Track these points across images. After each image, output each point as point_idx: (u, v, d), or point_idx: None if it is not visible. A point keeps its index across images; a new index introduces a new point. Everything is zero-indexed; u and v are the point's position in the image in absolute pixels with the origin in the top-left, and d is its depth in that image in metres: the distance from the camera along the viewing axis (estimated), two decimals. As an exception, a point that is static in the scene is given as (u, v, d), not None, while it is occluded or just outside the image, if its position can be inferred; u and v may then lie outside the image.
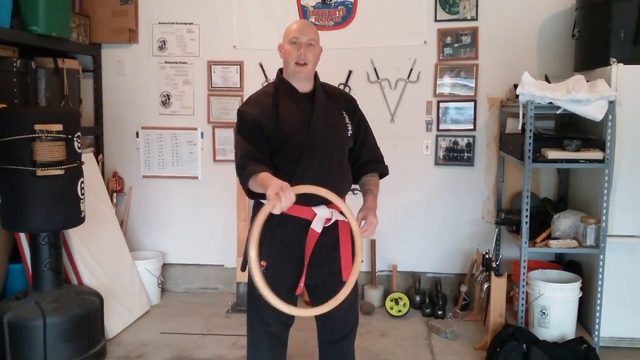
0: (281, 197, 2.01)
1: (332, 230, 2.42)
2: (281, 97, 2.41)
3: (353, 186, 2.62)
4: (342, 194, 2.41)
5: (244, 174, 2.27)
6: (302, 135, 2.34)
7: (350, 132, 2.49)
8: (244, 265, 2.45)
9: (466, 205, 4.35)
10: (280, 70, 2.51)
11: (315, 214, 2.36)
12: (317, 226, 2.36)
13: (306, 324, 2.56)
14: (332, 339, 2.63)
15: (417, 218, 4.42)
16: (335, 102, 2.50)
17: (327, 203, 2.34)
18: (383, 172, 2.61)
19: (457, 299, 4.25)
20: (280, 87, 2.44)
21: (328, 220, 2.38)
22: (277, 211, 2.04)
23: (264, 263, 2.36)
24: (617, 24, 3.48)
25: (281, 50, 2.45)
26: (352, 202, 2.46)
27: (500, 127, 4.24)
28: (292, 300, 2.39)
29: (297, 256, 2.39)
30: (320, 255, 2.40)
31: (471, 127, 4.29)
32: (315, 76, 2.48)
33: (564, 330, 3.43)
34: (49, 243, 3.31)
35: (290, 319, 2.50)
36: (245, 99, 4.38)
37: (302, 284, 2.41)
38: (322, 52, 2.50)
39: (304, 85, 2.44)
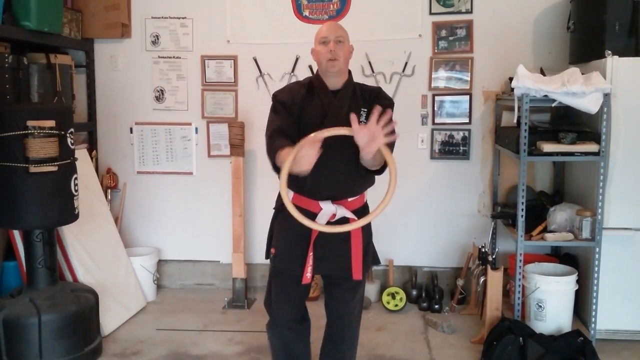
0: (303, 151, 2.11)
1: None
2: (312, 92, 2.52)
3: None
4: (352, 194, 2.52)
5: (271, 148, 2.38)
6: (316, 129, 2.31)
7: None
8: (268, 253, 2.65)
9: (462, 199, 4.35)
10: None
11: (321, 208, 2.46)
12: (321, 219, 2.45)
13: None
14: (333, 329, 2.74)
15: (413, 212, 4.41)
16: (362, 100, 2.54)
17: (333, 199, 2.46)
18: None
19: (454, 292, 4.25)
20: (314, 82, 2.55)
21: (334, 215, 2.47)
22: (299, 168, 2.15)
23: (273, 250, 2.60)
24: (612, 17, 3.47)
25: (314, 54, 2.55)
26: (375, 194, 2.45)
27: (495, 121, 4.23)
28: (298, 288, 2.57)
29: (303, 247, 2.50)
30: (327, 249, 2.50)
31: (467, 120, 4.28)
32: (349, 75, 2.56)
33: (560, 323, 3.44)
34: (43, 240, 3.29)
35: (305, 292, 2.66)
36: (239, 93, 4.44)
37: (307, 274, 2.50)
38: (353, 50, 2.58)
39: (335, 82, 2.52)
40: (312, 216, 2.42)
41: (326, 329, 2.80)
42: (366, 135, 2.10)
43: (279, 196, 2.53)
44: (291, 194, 2.48)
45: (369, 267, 2.71)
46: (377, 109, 2.13)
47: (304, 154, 2.12)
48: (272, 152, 2.37)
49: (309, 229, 2.38)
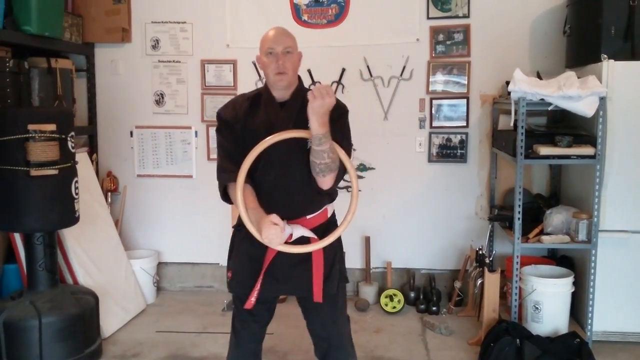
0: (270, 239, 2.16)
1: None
2: (258, 104, 2.37)
3: (344, 184, 2.57)
4: (305, 211, 2.35)
5: (220, 177, 2.34)
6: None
7: (309, 145, 2.26)
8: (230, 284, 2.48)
9: (459, 202, 4.38)
10: None
11: None
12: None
13: (301, 322, 2.59)
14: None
15: (411, 215, 4.44)
16: None
17: (289, 219, 2.28)
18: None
19: (451, 294, 4.27)
20: (262, 94, 2.40)
21: (290, 236, 2.28)
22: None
23: (229, 274, 2.45)
24: (608, 21, 3.49)
25: (259, 61, 2.38)
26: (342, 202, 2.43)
27: (492, 124, 4.26)
28: (261, 310, 2.46)
29: (258, 269, 2.36)
30: (284, 269, 2.36)
31: (464, 124, 4.31)
32: (300, 82, 2.41)
33: (557, 325, 3.46)
34: (44, 243, 3.31)
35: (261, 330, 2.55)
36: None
37: (252, 298, 2.35)
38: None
39: (283, 94, 2.36)
40: None
41: (314, 348, 2.60)
42: (318, 96, 2.08)
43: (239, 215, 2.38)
44: None
45: (335, 287, 2.42)
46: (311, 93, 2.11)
47: (270, 237, 2.13)
48: (220, 183, 2.34)
49: (264, 250, 2.31)
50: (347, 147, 2.34)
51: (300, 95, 2.34)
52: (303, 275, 2.36)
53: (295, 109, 2.33)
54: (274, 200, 2.28)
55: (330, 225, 2.44)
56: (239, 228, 2.43)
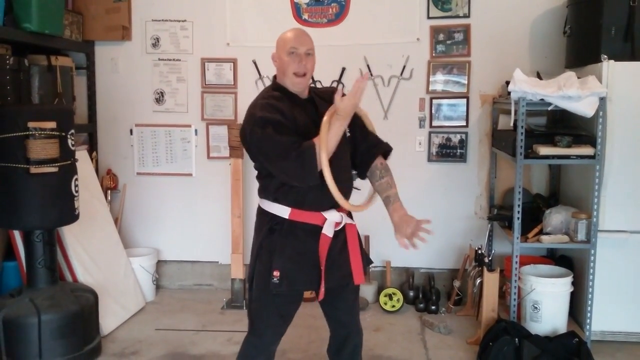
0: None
1: (340, 234, 2.42)
2: (291, 104, 2.36)
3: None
4: (346, 197, 2.39)
5: (300, 153, 2.19)
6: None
7: (348, 134, 2.39)
8: (263, 278, 2.38)
9: (459, 201, 4.38)
10: (274, 77, 2.48)
11: (326, 219, 2.36)
12: (328, 231, 2.36)
13: (300, 320, 2.59)
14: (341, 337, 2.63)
15: (411, 214, 4.41)
16: (323, 106, 2.41)
17: (337, 207, 2.36)
18: (386, 149, 2.61)
19: (450, 294, 4.28)
20: (283, 94, 2.39)
21: (338, 224, 2.38)
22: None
23: (276, 273, 2.33)
24: (608, 21, 3.50)
25: (277, 60, 2.39)
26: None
27: (492, 124, 4.26)
28: (294, 308, 2.47)
29: (311, 263, 2.35)
30: (332, 259, 2.38)
31: (464, 123, 4.31)
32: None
33: (555, 325, 3.46)
34: (43, 240, 3.31)
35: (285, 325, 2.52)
36: (239, 96, 4.46)
37: (323, 289, 2.35)
38: (316, 50, 2.48)
39: (300, 93, 2.42)
40: (316, 230, 2.35)
41: (330, 340, 2.64)
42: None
43: (266, 214, 2.41)
44: (288, 210, 2.35)
45: (365, 269, 2.62)
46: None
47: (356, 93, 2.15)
48: (307, 153, 2.18)
49: (315, 242, 2.32)
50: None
51: (313, 92, 2.47)
52: (344, 261, 2.41)
53: (323, 106, 2.38)
54: (325, 191, 2.25)
55: (349, 213, 2.50)
56: (276, 227, 2.37)
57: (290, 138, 2.22)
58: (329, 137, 2.20)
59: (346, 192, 2.40)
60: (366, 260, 2.57)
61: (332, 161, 2.24)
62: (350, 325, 2.59)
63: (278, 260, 2.34)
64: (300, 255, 2.36)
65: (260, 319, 2.47)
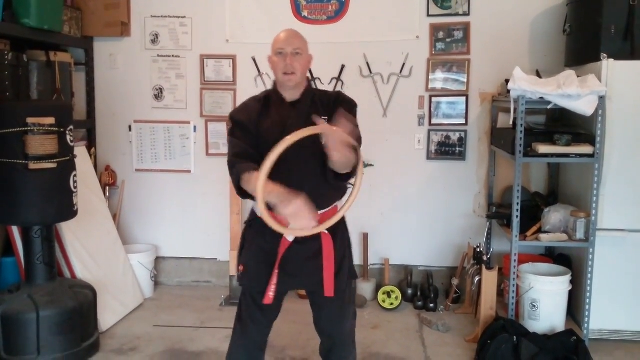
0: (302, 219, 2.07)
1: (311, 242, 2.38)
2: (269, 105, 2.43)
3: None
4: (321, 207, 2.32)
5: (233, 172, 2.29)
6: (275, 143, 2.18)
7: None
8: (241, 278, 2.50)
9: (458, 199, 4.38)
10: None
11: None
12: (290, 237, 2.37)
13: (299, 317, 2.58)
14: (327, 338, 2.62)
15: (409, 212, 4.44)
16: (322, 108, 2.41)
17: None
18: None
19: (449, 292, 4.28)
20: (272, 95, 2.46)
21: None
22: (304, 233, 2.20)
23: (241, 268, 2.48)
24: (608, 20, 3.50)
25: (270, 61, 2.46)
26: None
27: (491, 122, 4.26)
28: (271, 305, 2.44)
29: (271, 263, 2.39)
30: (296, 264, 2.40)
31: (463, 121, 4.31)
32: (309, 83, 2.48)
33: (553, 323, 3.47)
34: (42, 236, 3.31)
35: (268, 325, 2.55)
36: (238, 93, 4.46)
37: (270, 293, 2.38)
38: (316, 47, 2.49)
39: (292, 94, 2.43)
40: (281, 235, 2.34)
41: (320, 345, 2.69)
42: (337, 134, 2.00)
43: (253, 209, 2.47)
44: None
45: (344, 283, 2.49)
46: (341, 112, 2.11)
47: (297, 213, 2.04)
48: (235, 176, 2.27)
49: (277, 244, 2.35)
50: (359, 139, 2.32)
51: (309, 95, 2.44)
52: (315, 269, 2.40)
53: (305, 108, 2.39)
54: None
55: (339, 223, 2.41)
56: (251, 223, 2.47)
57: (241, 148, 2.32)
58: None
59: (316, 198, 2.22)
60: (351, 274, 2.53)
61: (294, 167, 2.26)
62: (333, 336, 2.59)
63: (244, 255, 2.49)
64: (264, 254, 2.42)
65: (242, 309, 2.54)
